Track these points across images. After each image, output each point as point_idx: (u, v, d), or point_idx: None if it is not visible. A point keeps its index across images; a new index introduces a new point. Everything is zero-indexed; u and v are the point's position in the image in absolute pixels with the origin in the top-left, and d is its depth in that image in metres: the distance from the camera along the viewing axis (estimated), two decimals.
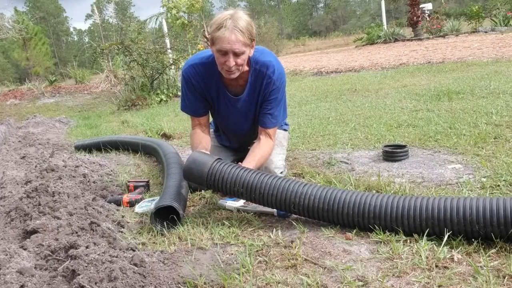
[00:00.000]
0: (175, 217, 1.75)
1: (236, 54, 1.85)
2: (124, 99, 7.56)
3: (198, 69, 2.07)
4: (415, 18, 14.55)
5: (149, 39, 8.92)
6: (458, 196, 1.59)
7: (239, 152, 2.43)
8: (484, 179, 1.88)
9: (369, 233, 1.50)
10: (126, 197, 2.16)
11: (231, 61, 1.85)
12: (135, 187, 2.32)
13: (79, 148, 3.67)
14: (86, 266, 1.25)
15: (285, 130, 2.48)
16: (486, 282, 1.15)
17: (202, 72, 2.06)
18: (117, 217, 1.93)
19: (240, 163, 1.93)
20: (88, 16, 58.74)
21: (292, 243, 1.51)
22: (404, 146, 2.41)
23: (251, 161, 1.98)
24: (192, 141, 2.18)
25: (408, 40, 13.89)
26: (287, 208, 1.65)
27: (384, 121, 3.34)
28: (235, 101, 2.12)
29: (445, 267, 1.25)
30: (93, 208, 1.90)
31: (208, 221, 1.79)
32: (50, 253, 1.40)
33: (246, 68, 2.01)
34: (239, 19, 1.82)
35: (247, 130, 2.28)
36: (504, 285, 1.14)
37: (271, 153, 2.14)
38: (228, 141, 2.44)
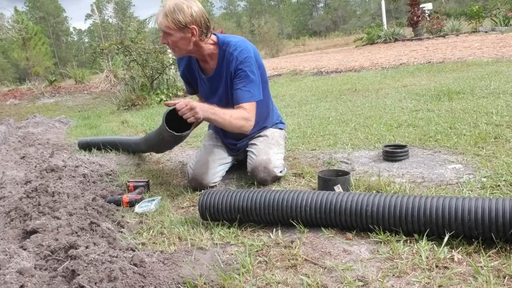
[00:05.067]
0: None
1: (166, 34, 2.07)
2: (124, 99, 7.55)
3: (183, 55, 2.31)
4: (415, 18, 14.57)
5: (149, 39, 8.90)
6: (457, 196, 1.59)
7: (236, 152, 2.44)
8: (484, 179, 1.88)
9: (369, 233, 1.49)
10: (126, 197, 2.15)
11: (162, 39, 2.11)
12: (135, 187, 2.32)
13: (82, 145, 3.64)
14: (86, 266, 1.25)
15: (281, 129, 2.48)
16: (486, 282, 1.14)
17: (186, 57, 2.33)
18: (117, 217, 1.93)
19: None
20: (88, 16, 58.66)
21: (292, 243, 1.51)
22: (404, 146, 2.41)
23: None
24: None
25: (408, 40, 13.90)
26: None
27: (384, 121, 3.34)
28: (207, 80, 2.29)
29: (445, 267, 1.25)
30: (93, 208, 1.90)
31: (208, 221, 1.79)
32: (50, 253, 1.40)
33: (215, 51, 2.19)
34: (167, 5, 2.03)
35: None
36: (504, 285, 1.13)
37: (241, 118, 2.07)
38: (222, 132, 2.42)
